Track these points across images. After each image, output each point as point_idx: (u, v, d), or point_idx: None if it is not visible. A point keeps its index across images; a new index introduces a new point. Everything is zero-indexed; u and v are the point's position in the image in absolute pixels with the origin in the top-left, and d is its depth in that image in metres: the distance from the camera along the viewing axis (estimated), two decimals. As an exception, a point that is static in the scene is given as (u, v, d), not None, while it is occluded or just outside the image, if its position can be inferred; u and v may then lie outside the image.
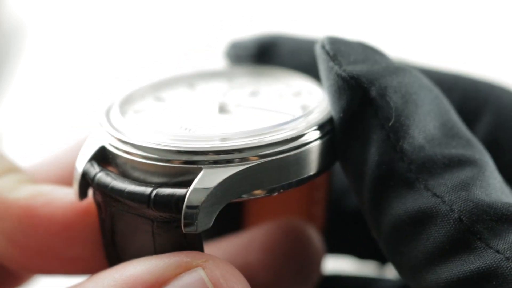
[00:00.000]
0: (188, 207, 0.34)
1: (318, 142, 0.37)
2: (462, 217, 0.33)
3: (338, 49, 0.37)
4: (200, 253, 0.35)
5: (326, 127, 0.37)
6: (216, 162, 0.35)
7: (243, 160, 0.35)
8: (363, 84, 0.36)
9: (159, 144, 0.35)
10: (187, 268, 0.34)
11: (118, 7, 1.03)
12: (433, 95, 0.37)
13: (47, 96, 0.94)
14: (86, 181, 0.37)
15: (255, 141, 0.35)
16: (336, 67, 0.36)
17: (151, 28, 1.00)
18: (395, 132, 0.35)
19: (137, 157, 0.36)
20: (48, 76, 0.96)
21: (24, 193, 0.39)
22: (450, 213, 0.34)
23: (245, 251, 0.43)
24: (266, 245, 0.43)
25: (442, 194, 0.34)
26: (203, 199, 0.34)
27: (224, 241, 0.44)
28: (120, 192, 0.35)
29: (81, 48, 0.98)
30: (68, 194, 0.39)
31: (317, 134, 0.37)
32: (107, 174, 0.36)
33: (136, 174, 0.36)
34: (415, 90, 0.36)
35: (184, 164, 0.35)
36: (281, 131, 0.36)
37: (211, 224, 0.34)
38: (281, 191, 0.36)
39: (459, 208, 0.34)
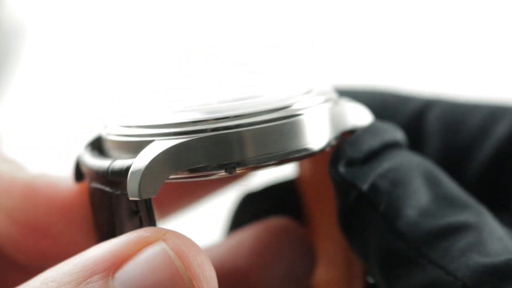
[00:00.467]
0: (131, 173, 0.34)
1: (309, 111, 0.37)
2: (466, 283, 0.35)
3: (340, 149, 0.39)
4: (159, 228, 0.35)
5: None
6: (166, 135, 0.35)
7: (195, 132, 0.35)
8: (355, 184, 0.37)
9: (127, 122, 0.37)
10: (147, 243, 0.34)
11: (118, 7, 1.03)
12: (422, 169, 0.38)
13: (47, 96, 0.94)
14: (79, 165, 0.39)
15: (207, 116, 0.35)
16: (332, 171, 0.38)
17: (151, 28, 1.00)
18: (389, 215, 0.37)
19: (111, 136, 0.37)
20: (48, 76, 0.96)
21: (28, 173, 0.40)
22: (455, 282, 0.35)
23: (235, 254, 0.43)
24: (256, 247, 0.43)
25: (444, 265, 0.35)
26: (145, 165, 0.34)
27: (214, 245, 0.44)
28: (91, 167, 0.37)
29: (81, 48, 0.98)
30: (70, 178, 0.40)
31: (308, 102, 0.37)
32: (91, 155, 0.38)
33: (113, 153, 0.37)
34: (404, 170, 0.38)
35: (139, 138, 0.36)
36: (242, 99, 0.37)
37: (156, 193, 0.35)
38: (238, 169, 0.36)
39: (462, 275, 0.35)
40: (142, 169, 0.34)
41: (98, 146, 0.39)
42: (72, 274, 0.34)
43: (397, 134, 0.39)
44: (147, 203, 0.35)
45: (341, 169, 0.37)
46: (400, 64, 0.94)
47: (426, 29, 0.97)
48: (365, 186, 0.37)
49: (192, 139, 0.35)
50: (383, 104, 0.45)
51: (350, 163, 0.38)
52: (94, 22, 1.01)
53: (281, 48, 0.96)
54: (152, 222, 0.35)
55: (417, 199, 0.37)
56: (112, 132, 0.37)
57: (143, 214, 0.35)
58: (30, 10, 1.00)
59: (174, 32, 0.99)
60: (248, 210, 0.46)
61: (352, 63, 0.95)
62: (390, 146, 0.38)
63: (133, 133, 0.36)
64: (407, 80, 0.92)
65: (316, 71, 0.93)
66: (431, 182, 0.38)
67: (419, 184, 0.38)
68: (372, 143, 0.38)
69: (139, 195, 0.34)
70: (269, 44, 0.97)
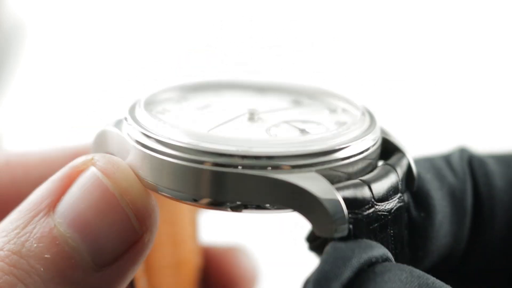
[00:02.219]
0: None
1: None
2: None
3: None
4: (88, 155, 0.37)
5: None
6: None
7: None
8: None
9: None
10: (79, 172, 0.36)
11: (118, 7, 1.03)
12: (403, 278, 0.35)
13: (47, 96, 0.94)
14: None
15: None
16: None
17: (151, 28, 1.00)
18: None
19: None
20: (48, 76, 0.96)
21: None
22: None
23: None
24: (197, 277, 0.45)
25: None
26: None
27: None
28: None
29: (81, 48, 0.98)
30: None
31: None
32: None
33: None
34: None
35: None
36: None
37: None
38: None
39: None
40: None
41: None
42: (18, 220, 0.36)
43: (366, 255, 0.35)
44: None
45: None
46: (400, 64, 0.94)
47: (426, 29, 0.97)
48: None
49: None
50: None
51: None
52: (94, 22, 1.01)
53: (281, 48, 0.96)
54: None
55: None
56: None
57: None
58: (30, 10, 1.00)
59: (174, 32, 0.99)
60: None
61: (352, 63, 0.95)
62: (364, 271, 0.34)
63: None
64: (407, 80, 0.92)
65: (316, 71, 0.93)
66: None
67: None
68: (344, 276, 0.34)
69: None
70: (269, 44, 0.97)
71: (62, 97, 0.93)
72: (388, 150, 0.38)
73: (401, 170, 0.36)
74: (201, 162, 0.34)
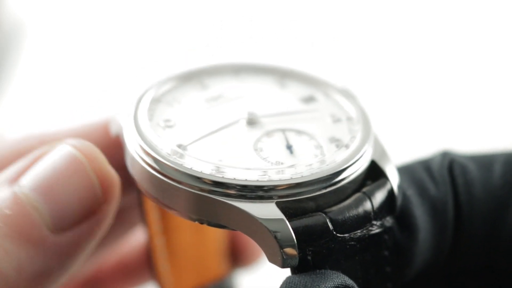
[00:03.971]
0: None
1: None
2: None
3: None
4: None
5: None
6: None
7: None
8: None
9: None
10: (47, 152, 0.38)
11: (118, 7, 1.03)
12: None
13: (47, 96, 0.94)
14: None
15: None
16: None
17: (151, 28, 1.00)
18: None
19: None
20: (48, 75, 0.96)
21: None
22: None
23: None
24: None
25: None
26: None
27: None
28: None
29: (81, 48, 0.98)
30: None
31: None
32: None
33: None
34: None
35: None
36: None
37: None
38: None
39: None
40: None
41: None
42: None
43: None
44: None
45: None
46: (400, 64, 0.94)
47: (425, 29, 0.97)
48: None
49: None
50: None
51: None
52: (94, 22, 1.01)
53: (281, 48, 0.96)
54: None
55: None
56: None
57: None
58: (30, 10, 1.00)
59: (174, 32, 0.99)
60: None
61: (352, 63, 0.95)
62: None
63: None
64: (407, 80, 0.92)
65: (316, 72, 0.93)
66: None
67: None
68: None
69: None
70: (269, 44, 0.97)
71: (62, 97, 0.93)
72: (374, 172, 0.38)
73: (380, 196, 0.37)
74: (179, 182, 0.36)
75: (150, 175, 0.37)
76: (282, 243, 0.34)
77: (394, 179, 0.38)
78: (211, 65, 0.42)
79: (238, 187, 0.35)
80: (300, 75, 0.42)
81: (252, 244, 0.50)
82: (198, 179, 0.36)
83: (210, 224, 0.36)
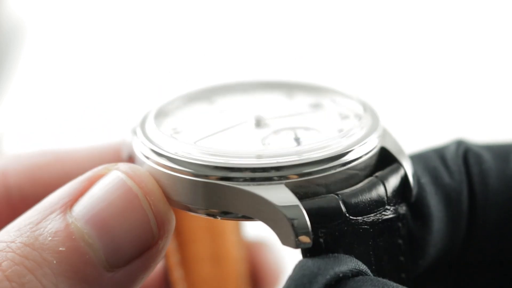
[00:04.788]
0: None
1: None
2: None
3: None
4: (110, 164, 0.37)
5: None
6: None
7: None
8: None
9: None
10: (100, 176, 0.36)
11: (117, 7, 1.03)
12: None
13: (47, 96, 0.94)
14: None
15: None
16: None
17: (151, 28, 1.00)
18: None
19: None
20: (48, 75, 0.96)
21: None
22: None
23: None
24: None
25: None
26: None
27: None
28: None
29: (81, 48, 0.98)
30: None
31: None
32: None
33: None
34: None
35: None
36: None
37: None
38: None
39: None
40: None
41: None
42: (32, 217, 0.36)
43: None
44: None
45: None
46: (400, 64, 0.94)
47: (425, 29, 0.97)
48: None
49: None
50: None
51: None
52: (93, 22, 1.01)
53: (281, 48, 0.96)
54: None
55: None
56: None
57: None
58: (30, 10, 1.00)
59: (174, 32, 0.99)
60: None
61: (352, 63, 0.95)
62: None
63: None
64: (407, 80, 0.92)
65: (316, 72, 0.93)
66: None
67: None
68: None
69: None
70: (269, 44, 0.97)
71: (62, 97, 0.93)
72: (386, 159, 0.38)
73: (393, 182, 0.37)
74: (182, 172, 0.36)
75: (161, 174, 0.37)
76: (298, 231, 0.34)
77: (407, 166, 0.37)
78: (220, 84, 0.43)
79: (246, 170, 0.35)
80: (307, 86, 0.43)
81: (271, 276, 0.51)
82: (207, 167, 0.36)
83: (221, 215, 0.36)
